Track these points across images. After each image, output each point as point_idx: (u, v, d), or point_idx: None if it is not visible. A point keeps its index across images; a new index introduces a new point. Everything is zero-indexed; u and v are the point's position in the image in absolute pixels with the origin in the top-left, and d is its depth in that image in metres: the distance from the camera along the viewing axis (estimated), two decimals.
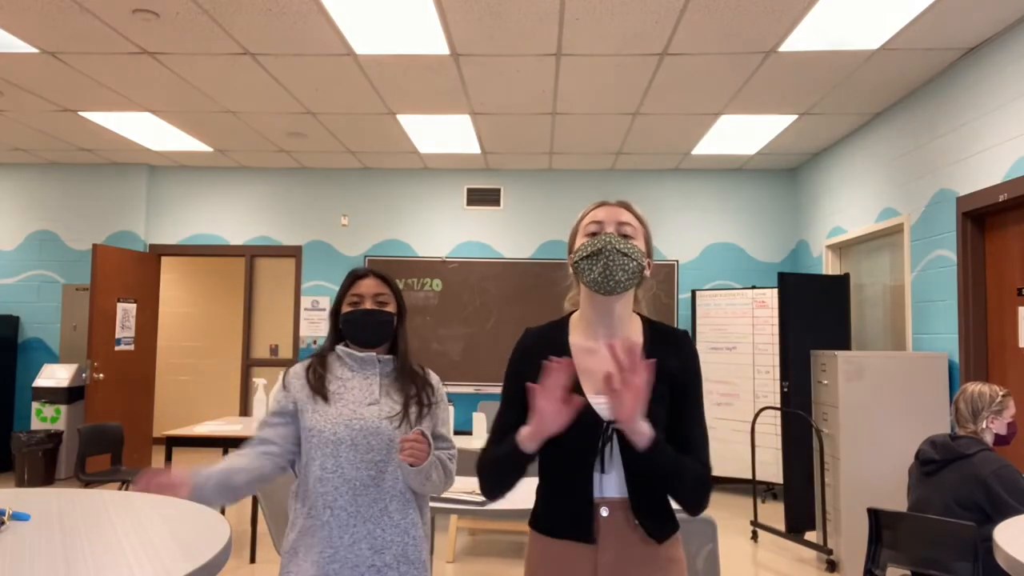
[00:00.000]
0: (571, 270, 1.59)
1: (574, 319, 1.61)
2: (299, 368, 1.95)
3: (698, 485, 1.47)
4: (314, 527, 1.80)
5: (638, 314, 1.62)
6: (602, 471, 1.48)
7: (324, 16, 3.89)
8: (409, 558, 1.85)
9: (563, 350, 1.54)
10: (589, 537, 1.47)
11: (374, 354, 1.93)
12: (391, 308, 1.96)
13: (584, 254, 1.49)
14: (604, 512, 1.47)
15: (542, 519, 1.55)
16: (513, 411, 1.55)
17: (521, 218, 7.28)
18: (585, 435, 1.47)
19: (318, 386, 1.88)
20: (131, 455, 6.68)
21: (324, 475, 1.81)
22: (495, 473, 1.52)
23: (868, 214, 5.52)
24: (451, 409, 2.06)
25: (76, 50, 4.40)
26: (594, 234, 1.52)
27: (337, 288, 7.24)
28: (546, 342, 1.57)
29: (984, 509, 2.55)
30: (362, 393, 1.89)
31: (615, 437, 1.46)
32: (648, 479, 1.48)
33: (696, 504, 1.47)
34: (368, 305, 1.92)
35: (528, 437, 1.42)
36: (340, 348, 1.95)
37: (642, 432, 1.38)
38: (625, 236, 1.52)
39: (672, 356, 1.53)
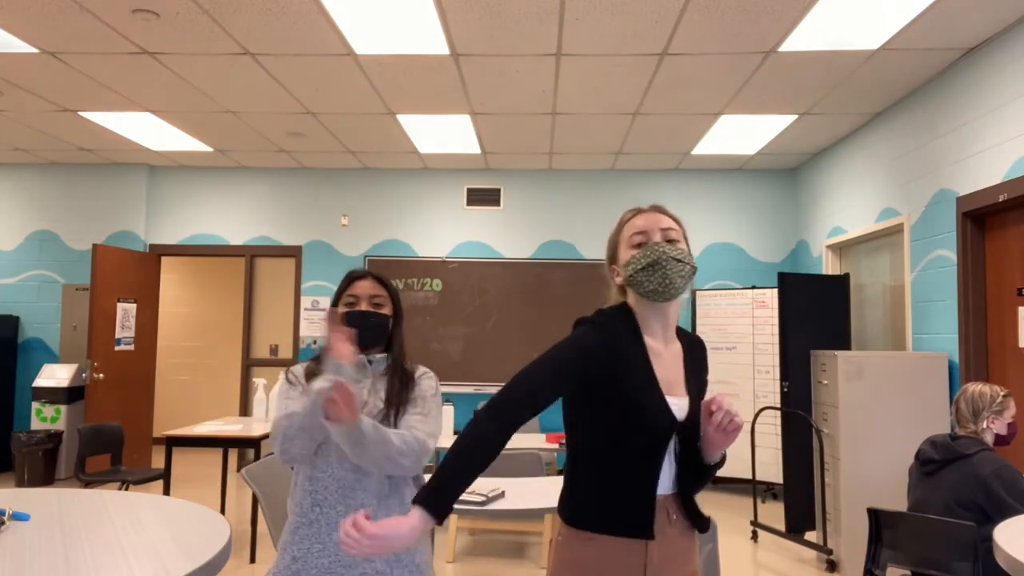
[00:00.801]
0: (619, 281, 1.60)
1: (638, 314, 1.58)
2: (300, 370, 1.95)
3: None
4: (303, 525, 1.82)
5: None
6: (675, 466, 1.55)
7: (324, 16, 3.89)
8: (403, 561, 1.83)
9: (640, 347, 1.54)
10: (649, 533, 1.47)
11: (363, 356, 1.92)
12: (387, 310, 1.96)
13: (639, 267, 1.51)
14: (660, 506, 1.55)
15: (590, 516, 1.50)
16: (544, 382, 1.46)
17: (521, 218, 7.28)
18: (658, 433, 1.50)
19: None
20: (131, 455, 6.68)
21: (314, 474, 1.83)
22: (482, 452, 1.42)
23: (868, 214, 5.52)
24: (443, 408, 2.01)
25: (76, 50, 4.40)
26: (640, 244, 1.55)
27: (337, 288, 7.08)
28: (622, 336, 1.52)
29: (984, 509, 2.54)
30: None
31: (674, 440, 1.53)
32: (691, 477, 1.56)
33: (700, 488, 1.60)
34: (363, 306, 1.92)
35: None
36: None
37: (721, 453, 1.53)
38: (671, 241, 1.56)
39: (700, 362, 1.67)
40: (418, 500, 1.34)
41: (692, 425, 1.53)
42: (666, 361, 1.56)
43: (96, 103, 5.42)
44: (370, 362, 1.93)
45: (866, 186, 5.57)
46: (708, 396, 1.48)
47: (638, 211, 1.60)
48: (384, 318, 1.95)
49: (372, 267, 7.20)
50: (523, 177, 7.31)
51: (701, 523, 1.57)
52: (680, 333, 1.66)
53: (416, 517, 1.32)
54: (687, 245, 1.60)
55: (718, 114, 5.47)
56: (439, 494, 1.34)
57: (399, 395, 1.90)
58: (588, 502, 1.52)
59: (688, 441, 1.54)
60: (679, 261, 1.50)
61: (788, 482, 4.99)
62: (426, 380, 1.96)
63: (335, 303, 1.96)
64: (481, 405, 1.48)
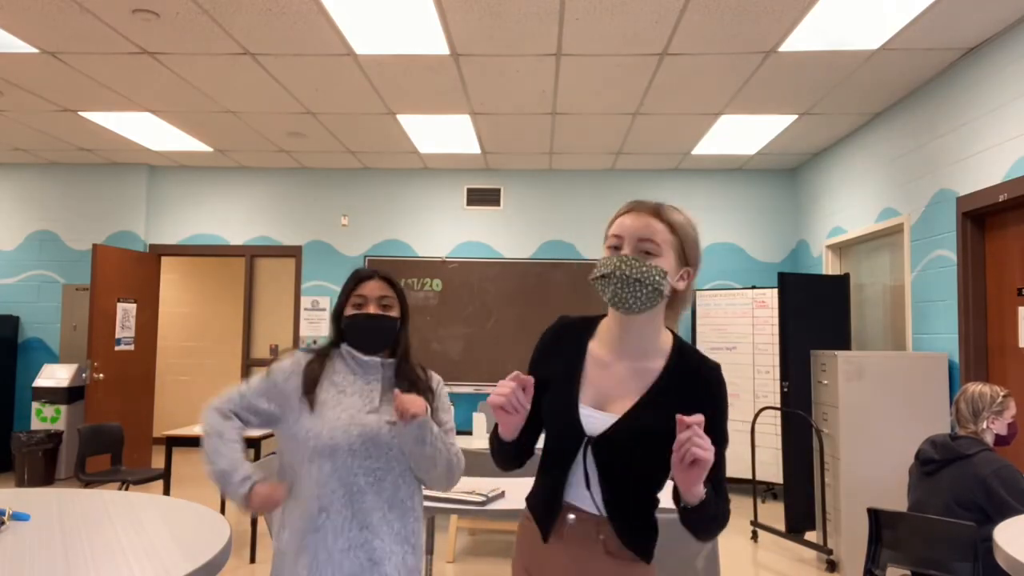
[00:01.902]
0: (588, 280, 1.55)
1: (604, 323, 1.54)
2: (289, 365, 1.86)
3: (717, 526, 1.41)
4: (308, 530, 1.75)
5: (673, 332, 1.52)
6: (587, 485, 1.45)
7: (324, 16, 3.89)
8: (409, 567, 1.81)
9: (580, 352, 1.51)
10: (545, 536, 1.50)
11: (378, 359, 1.88)
12: (395, 312, 1.89)
13: (598, 273, 1.43)
14: (571, 518, 1.47)
15: (530, 497, 1.59)
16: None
17: (521, 218, 7.28)
18: (564, 442, 1.47)
19: (309, 388, 1.81)
20: (131, 455, 6.68)
21: (321, 478, 1.76)
22: (495, 454, 1.57)
23: (868, 214, 5.52)
24: (452, 410, 2.01)
25: (76, 50, 4.40)
26: (614, 248, 1.44)
27: (337, 288, 7.17)
28: (569, 337, 1.55)
29: (984, 509, 2.54)
30: (363, 399, 1.84)
31: (590, 455, 1.43)
32: (626, 503, 1.44)
33: (708, 538, 1.44)
34: (372, 309, 1.86)
35: (501, 428, 1.46)
36: (346, 349, 1.90)
37: (697, 494, 1.31)
38: (647, 253, 1.41)
39: (690, 392, 1.43)
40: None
41: (608, 444, 1.42)
42: (612, 374, 1.46)
43: (96, 103, 5.42)
44: (382, 366, 1.89)
45: (866, 186, 5.57)
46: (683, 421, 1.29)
47: (633, 207, 1.47)
48: (393, 321, 1.88)
49: (372, 267, 7.20)
50: (523, 177, 7.31)
51: (639, 550, 1.45)
52: (681, 355, 1.48)
53: None
54: (679, 259, 1.45)
55: (718, 114, 5.47)
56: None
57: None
58: (535, 483, 1.59)
59: (611, 462, 1.42)
60: (636, 281, 1.38)
61: (788, 482, 5.00)
62: (444, 390, 1.98)
63: (341, 303, 1.90)
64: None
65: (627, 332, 1.47)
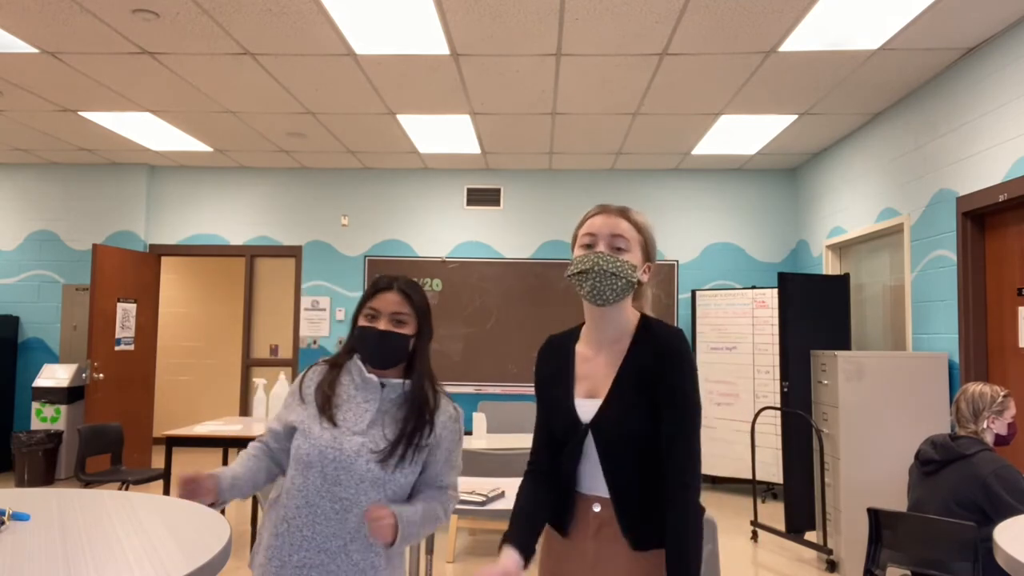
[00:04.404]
0: (565, 278, 1.67)
1: (584, 326, 1.68)
2: (315, 377, 1.85)
3: (696, 538, 1.43)
4: (273, 533, 1.74)
5: (641, 312, 1.65)
6: (604, 470, 1.56)
7: (324, 16, 3.89)
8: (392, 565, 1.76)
9: (568, 355, 1.65)
10: (564, 529, 1.59)
11: (376, 379, 1.79)
12: (409, 329, 1.79)
13: (575, 270, 1.56)
14: (596, 508, 1.56)
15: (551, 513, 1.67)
16: (540, 413, 1.69)
17: (521, 218, 7.28)
18: (568, 437, 1.59)
19: (324, 406, 1.78)
20: (131, 455, 6.68)
21: (292, 490, 1.74)
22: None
23: (868, 214, 5.52)
24: (461, 443, 1.87)
25: (76, 50, 4.40)
26: (588, 246, 1.58)
27: (337, 288, 7.19)
28: (558, 348, 1.69)
29: (984, 509, 2.54)
30: (355, 418, 1.76)
31: (590, 441, 1.55)
32: (632, 485, 1.53)
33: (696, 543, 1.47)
34: (383, 324, 1.76)
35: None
36: (356, 363, 1.83)
37: None
38: (618, 249, 1.56)
39: (651, 359, 1.52)
40: (505, 541, 1.54)
41: (601, 427, 1.53)
42: (595, 364, 1.60)
43: (96, 103, 5.42)
44: (382, 387, 1.80)
45: (866, 186, 5.57)
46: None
47: (602, 209, 1.61)
48: (403, 339, 1.78)
49: (372, 267, 7.21)
50: (523, 177, 7.31)
51: (634, 538, 1.50)
52: (646, 331, 1.57)
53: (507, 551, 1.51)
54: (644, 253, 1.60)
55: (718, 114, 5.47)
56: (518, 533, 1.56)
57: (412, 433, 1.76)
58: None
59: (610, 444, 1.52)
60: (613, 275, 1.52)
61: (788, 482, 4.99)
62: (455, 427, 1.84)
63: (357, 313, 1.82)
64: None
65: (603, 323, 1.60)
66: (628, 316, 1.61)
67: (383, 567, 1.76)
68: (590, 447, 1.55)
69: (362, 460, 1.72)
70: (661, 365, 1.50)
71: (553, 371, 1.65)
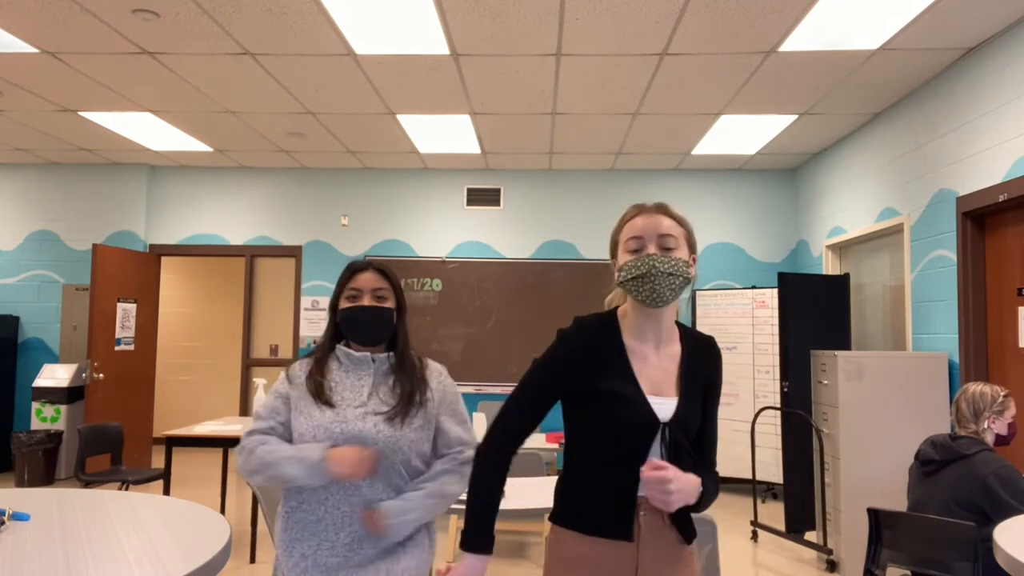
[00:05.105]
0: (617, 285, 1.61)
1: (621, 315, 1.61)
2: (299, 369, 1.89)
3: (712, 498, 1.56)
4: (309, 522, 1.77)
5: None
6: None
7: (324, 16, 3.89)
8: (416, 542, 1.86)
9: (619, 351, 1.56)
10: (628, 535, 1.49)
11: (368, 354, 1.87)
12: (390, 303, 1.89)
13: (630, 276, 1.52)
14: (642, 512, 1.51)
15: (574, 515, 1.54)
16: (533, 400, 1.56)
17: (521, 218, 7.28)
18: (635, 435, 1.50)
19: (318, 392, 1.82)
20: (131, 455, 6.68)
21: None
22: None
23: (868, 214, 5.52)
24: (460, 397, 1.97)
25: (76, 50, 4.40)
26: (636, 251, 1.54)
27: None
28: (601, 341, 1.57)
29: (984, 509, 2.54)
30: (352, 395, 1.83)
31: (659, 440, 1.51)
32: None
33: (705, 508, 1.56)
34: (366, 301, 1.85)
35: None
36: (339, 348, 1.89)
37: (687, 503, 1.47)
38: (668, 249, 1.53)
39: (707, 362, 1.63)
40: (466, 547, 1.48)
41: (679, 425, 1.52)
42: (654, 363, 1.56)
43: (96, 103, 5.42)
44: (373, 361, 1.87)
45: (866, 186, 5.57)
46: (652, 465, 1.41)
47: (640, 210, 1.58)
48: (388, 312, 1.87)
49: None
50: (523, 177, 7.31)
51: (686, 532, 1.56)
52: (686, 334, 1.64)
53: (471, 560, 1.47)
54: (688, 248, 1.58)
55: (718, 114, 5.47)
56: (479, 535, 1.49)
57: (409, 396, 1.84)
58: (573, 501, 1.56)
59: (678, 443, 1.51)
60: (670, 275, 1.50)
61: (788, 482, 4.99)
62: (448, 381, 1.95)
63: (336, 297, 1.89)
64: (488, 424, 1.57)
65: (657, 324, 1.58)
66: (674, 316, 1.64)
67: (404, 550, 1.84)
68: (654, 446, 1.50)
69: (370, 425, 1.78)
70: (714, 367, 1.63)
71: (603, 362, 1.54)
